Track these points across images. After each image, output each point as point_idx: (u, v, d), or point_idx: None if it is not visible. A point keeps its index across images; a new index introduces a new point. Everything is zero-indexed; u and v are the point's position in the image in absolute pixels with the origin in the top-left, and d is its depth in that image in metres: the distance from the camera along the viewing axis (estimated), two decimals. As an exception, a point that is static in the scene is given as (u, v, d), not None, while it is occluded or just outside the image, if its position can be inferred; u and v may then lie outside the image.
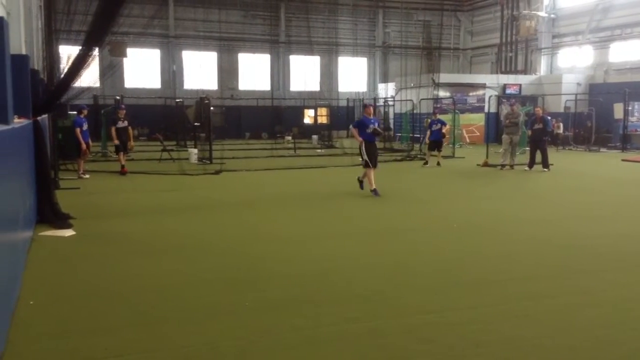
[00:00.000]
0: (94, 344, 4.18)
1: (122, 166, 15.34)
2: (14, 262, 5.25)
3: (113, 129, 15.50)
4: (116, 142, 15.49)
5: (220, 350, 4.11)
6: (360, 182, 12.02)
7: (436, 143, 18.09)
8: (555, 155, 20.23)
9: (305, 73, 36.93)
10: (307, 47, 33.09)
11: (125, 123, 15.69)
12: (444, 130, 18.17)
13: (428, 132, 18.48)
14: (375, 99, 34.30)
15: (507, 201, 11.49)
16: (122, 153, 15.54)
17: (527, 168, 16.59)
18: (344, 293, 5.41)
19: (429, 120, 18.80)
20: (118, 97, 22.99)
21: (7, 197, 5.01)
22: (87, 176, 14.65)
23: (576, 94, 27.78)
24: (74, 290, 5.49)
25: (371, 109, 12.19)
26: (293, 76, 37.26)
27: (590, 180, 14.99)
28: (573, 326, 4.60)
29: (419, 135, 24.08)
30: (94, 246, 7.36)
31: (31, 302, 5.06)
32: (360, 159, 11.94)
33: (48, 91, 9.98)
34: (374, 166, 11.64)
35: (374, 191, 11.47)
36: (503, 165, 16.99)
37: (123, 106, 17.66)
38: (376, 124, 11.93)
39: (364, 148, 11.59)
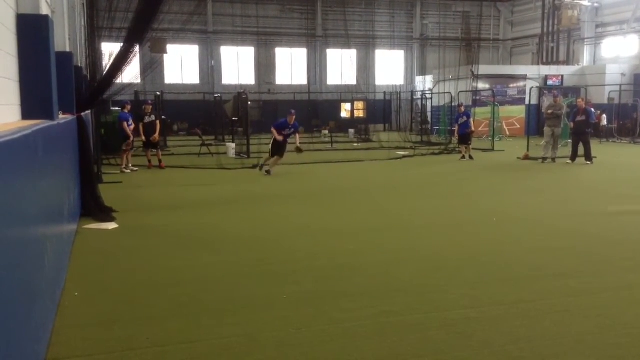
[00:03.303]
0: (136, 334, 4.28)
1: (149, 161, 15.59)
2: (59, 254, 5.41)
3: (141, 125, 15.56)
4: (143, 138, 15.55)
5: (259, 342, 4.15)
6: (266, 168, 14.21)
7: (464, 137, 17.94)
8: (598, 147, 19.72)
9: (342, 67, 36.84)
10: (344, 41, 32.94)
11: (153, 117, 15.73)
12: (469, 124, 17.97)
13: (456, 127, 18.35)
14: (413, 92, 34.01)
15: (549, 194, 11.25)
16: (149, 150, 15.72)
17: (569, 161, 16.23)
18: (382, 286, 5.40)
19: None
20: (158, 93, 23.33)
21: (53, 191, 5.16)
22: (136, 169, 15.02)
23: (620, 85, 26.98)
24: (117, 281, 5.62)
25: (293, 117, 14.17)
26: (330, 70, 37.23)
27: (635, 173, 14.53)
28: (617, 323, 4.49)
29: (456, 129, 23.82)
30: (136, 239, 7.52)
31: (76, 293, 5.20)
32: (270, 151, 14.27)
33: (91, 87, 10.22)
34: (281, 156, 14.18)
35: (268, 172, 14.06)
36: (544, 159, 16.65)
37: (149, 101, 17.85)
38: (292, 130, 14.10)
39: (274, 143, 13.96)
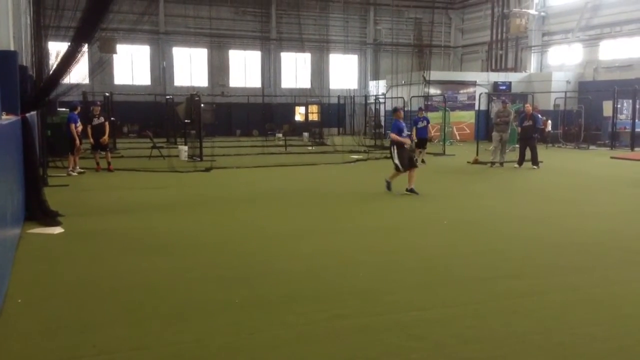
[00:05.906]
0: (82, 341, 4.16)
1: (97, 164, 15.24)
2: (1, 260, 5.20)
3: (89, 127, 15.19)
4: (91, 140, 15.19)
5: (210, 348, 4.09)
6: (388, 183, 11.79)
7: (421, 141, 18.18)
8: (544, 152, 20.30)
9: (296, 70, 36.88)
10: (298, 44, 32.98)
11: (102, 119, 15.41)
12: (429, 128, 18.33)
13: (414, 130, 18.45)
14: (366, 96, 34.31)
15: (498, 198, 11.53)
16: (97, 152, 15.36)
17: (516, 165, 16.66)
18: (335, 290, 5.41)
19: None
20: (107, 94, 22.81)
21: (-5, 194, 4.97)
22: (83, 171, 14.63)
23: (566, 92, 27.88)
24: (62, 287, 5.45)
25: (402, 112, 12.02)
26: (284, 73, 37.18)
27: (580, 177, 15.07)
28: (562, 323, 4.63)
29: (409, 133, 24.12)
30: (83, 243, 7.31)
31: (19, 300, 5.02)
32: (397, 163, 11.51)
33: (37, 87, 9.90)
34: (413, 166, 11.53)
35: (411, 190, 11.37)
36: (493, 163, 17.04)
37: (98, 102, 17.48)
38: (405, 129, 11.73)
39: (396, 152, 11.41)
